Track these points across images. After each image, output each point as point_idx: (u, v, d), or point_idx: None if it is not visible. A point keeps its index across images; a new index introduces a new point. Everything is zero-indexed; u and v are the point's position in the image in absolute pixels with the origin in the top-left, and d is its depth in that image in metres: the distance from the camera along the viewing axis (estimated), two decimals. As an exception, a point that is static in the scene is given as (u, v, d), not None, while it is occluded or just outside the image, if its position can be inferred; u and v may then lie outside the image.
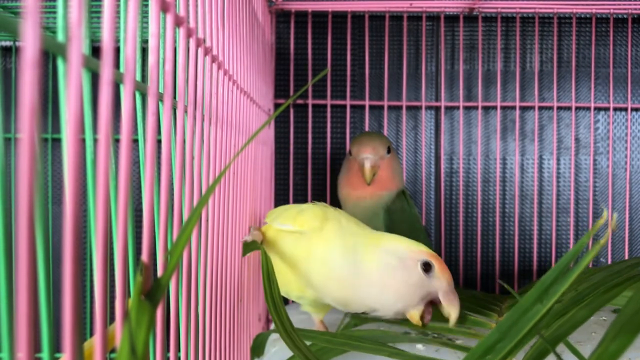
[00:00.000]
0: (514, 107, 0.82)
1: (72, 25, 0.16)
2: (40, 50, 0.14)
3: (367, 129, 0.80)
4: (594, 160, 0.83)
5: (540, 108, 0.82)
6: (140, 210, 0.22)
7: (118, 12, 0.21)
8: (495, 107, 0.82)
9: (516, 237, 0.82)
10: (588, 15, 0.82)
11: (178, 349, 0.28)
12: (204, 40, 0.32)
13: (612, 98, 0.81)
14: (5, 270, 0.15)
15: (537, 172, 0.82)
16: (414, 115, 0.82)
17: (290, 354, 0.46)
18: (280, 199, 0.81)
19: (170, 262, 0.21)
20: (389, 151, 0.66)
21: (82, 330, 0.25)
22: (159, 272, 0.25)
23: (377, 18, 0.82)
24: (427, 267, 0.44)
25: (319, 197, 0.81)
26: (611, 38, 0.80)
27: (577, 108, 0.82)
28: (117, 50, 0.20)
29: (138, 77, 0.25)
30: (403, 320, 0.48)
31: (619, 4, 0.77)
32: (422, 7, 0.78)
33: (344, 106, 0.81)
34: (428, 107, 0.82)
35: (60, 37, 0.18)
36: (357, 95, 0.82)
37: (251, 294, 0.56)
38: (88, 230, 0.21)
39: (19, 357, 0.15)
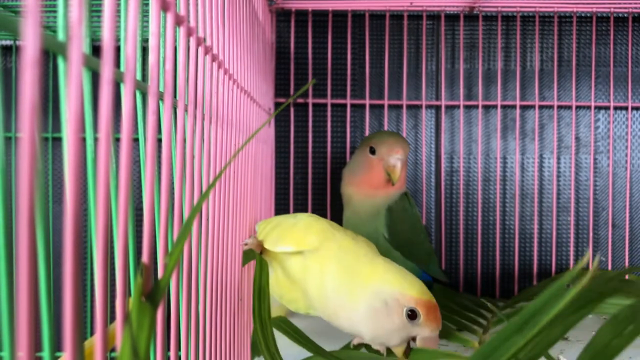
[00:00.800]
0: (514, 106, 0.82)
1: (72, 24, 0.16)
2: (40, 50, 0.14)
3: (367, 128, 0.80)
4: (595, 159, 0.83)
5: (541, 107, 0.82)
6: (141, 209, 0.22)
7: (118, 11, 0.21)
8: (495, 106, 0.82)
9: (516, 236, 0.82)
10: (588, 14, 0.82)
11: (178, 349, 0.28)
12: (205, 40, 0.32)
13: (612, 97, 0.81)
14: (6, 269, 0.15)
15: (538, 171, 0.82)
16: (414, 114, 0.82)
17: (290, 353, 0.46)
18: (281, 198, 0.81)
19: (171, 260, 0.21)
20: None
21: (83, 330, 0.25)
22: (160, 272, 0.25)
23: (377, 17, 0.82)
24: (412, 314, 0.43)
25: (319, 195, 0.81)
26: (612, 37, 0.80)
27: (577, 107, 0.82)
28: (117, 49, 0.20)
29: (138, 76, 0.25)
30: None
31: (620, 3, 0.77)
32: (423, 6, 0.78)
33: (344, 105, 0.81)
34: (428, 106, 0.82)
35: (60, 36, 0.18)
36: (357, 94, 0.82)
37: (251, 294, 0.56)
38: (88, 229, 0.21)
39: (19, 356, 0.15)
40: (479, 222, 0.81)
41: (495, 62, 0.82)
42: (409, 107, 0.82)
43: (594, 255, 0.82)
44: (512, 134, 0.82)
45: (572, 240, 0.82)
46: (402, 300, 0.43)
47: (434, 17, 0.82)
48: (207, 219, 0.34)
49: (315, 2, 0.78)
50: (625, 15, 0.82)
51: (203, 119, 0.32)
